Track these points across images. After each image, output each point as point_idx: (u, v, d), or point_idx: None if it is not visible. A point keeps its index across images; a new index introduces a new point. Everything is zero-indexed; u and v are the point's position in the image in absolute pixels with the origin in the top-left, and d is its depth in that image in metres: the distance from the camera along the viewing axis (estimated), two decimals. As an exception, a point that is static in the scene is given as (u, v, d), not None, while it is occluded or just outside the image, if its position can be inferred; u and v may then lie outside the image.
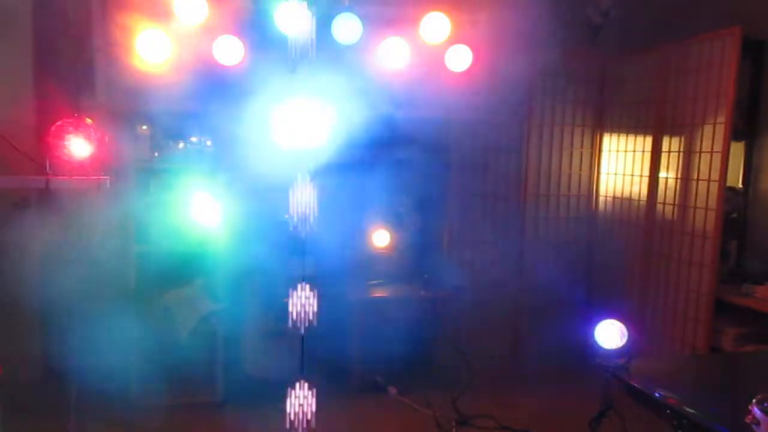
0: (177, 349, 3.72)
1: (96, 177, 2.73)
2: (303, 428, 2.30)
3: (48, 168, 2.68)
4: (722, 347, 3.64)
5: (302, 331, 2.31)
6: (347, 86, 3.24)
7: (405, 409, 3.91)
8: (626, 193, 4.49)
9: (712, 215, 3.66)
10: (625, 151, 4.50)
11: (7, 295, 3.59)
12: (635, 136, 4.40)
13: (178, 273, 3.84)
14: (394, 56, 3.82)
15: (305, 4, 2.39)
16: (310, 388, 2.38)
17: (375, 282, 4.38)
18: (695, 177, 3.82)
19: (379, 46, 3.81)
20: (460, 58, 3.92)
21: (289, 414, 2.35)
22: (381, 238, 4.43)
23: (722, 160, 3.59)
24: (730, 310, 3.64)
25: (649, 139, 4.24)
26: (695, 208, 3.79)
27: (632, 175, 4.43)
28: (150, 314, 3.74)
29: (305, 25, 2.35)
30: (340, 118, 2.75)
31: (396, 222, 4.47)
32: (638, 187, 4.36)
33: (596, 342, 2.45)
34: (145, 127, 3.80)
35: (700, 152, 3.78)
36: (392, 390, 4.10)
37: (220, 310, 3.87)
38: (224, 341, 3.89)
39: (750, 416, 1.70)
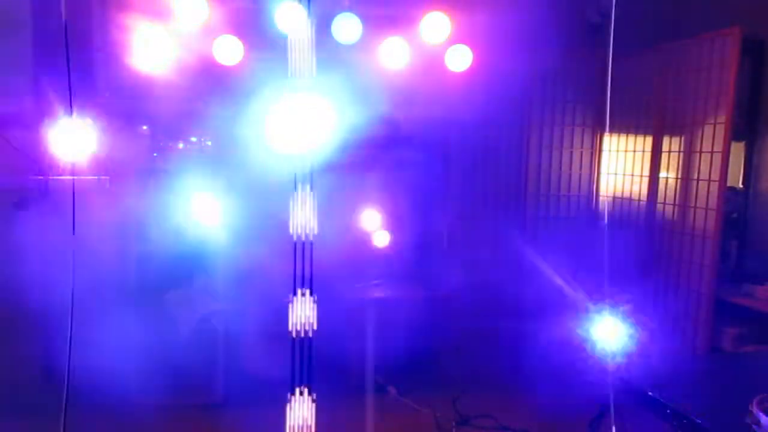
0: (177, 349, 3.72)
1: (96, 177, 2.73)
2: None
3: (47, 168, 2.69)
4: (722, 347, 3.64)
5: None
6: (347, 86, 3.24)
7: (405, 409, 3.91)
8: (626, 193, 4.49)
9: (712, 215, 3.65)
10: (626, 151, 4.50)
11: (7, 295, 3.59)
12: (635, 136, 4.40)
13: (178, 273, 3.84)
14: (394, 56, 3.82)
15: (305, 4, 2.39)
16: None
17: (375, 282, 4.38)
18: (695, 177, 3.81)
19: (379, 46, 3.81)
20: (460, 58, 3.92)
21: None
22: (381, 238, 4.43)
23: (722, 160, 3.59)
24: (730, 310, 3.64)
25: (649, 139, 4.23)
26: (695, 208, 3.79)
27: (632, 175, 4.42)
28: (150, 314, 3.73)
29: (305, 25, 2.35)
30: (340, 118, 2.75)
31: (396, 222, 4.47)
32: (638, 187, 4.36)
33: (596, 342, 2.45)
34: (145, 127, 3.80)
35: (700, 152, 3.78)
36: (392, 390, 4.10)
37: (220, 310, 3.86)
38: (224, 341, 3.89)
39: (750, 416, 1.70)
